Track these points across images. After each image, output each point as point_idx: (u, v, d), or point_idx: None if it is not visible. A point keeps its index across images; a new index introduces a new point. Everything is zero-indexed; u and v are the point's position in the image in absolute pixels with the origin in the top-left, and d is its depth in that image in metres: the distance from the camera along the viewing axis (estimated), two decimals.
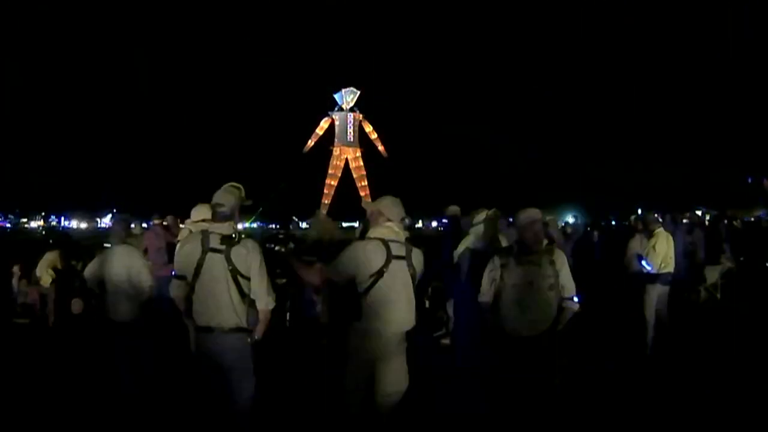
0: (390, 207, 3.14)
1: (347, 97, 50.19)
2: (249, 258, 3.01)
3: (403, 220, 3.14)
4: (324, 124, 50.54)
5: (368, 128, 51.05)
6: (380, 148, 50.93)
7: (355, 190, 51.41)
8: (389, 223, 3.08)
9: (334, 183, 51.46)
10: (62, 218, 78.77)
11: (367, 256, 2.98)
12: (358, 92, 50.24)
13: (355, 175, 51.70)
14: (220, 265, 2.96)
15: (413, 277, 3.05)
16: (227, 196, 3.10)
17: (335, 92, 50.30)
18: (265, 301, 3.05)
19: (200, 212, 4.21)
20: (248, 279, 3.01)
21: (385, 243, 2.99)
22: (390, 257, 2.97)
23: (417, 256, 3.10)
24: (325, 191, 50.53)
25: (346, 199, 51.00)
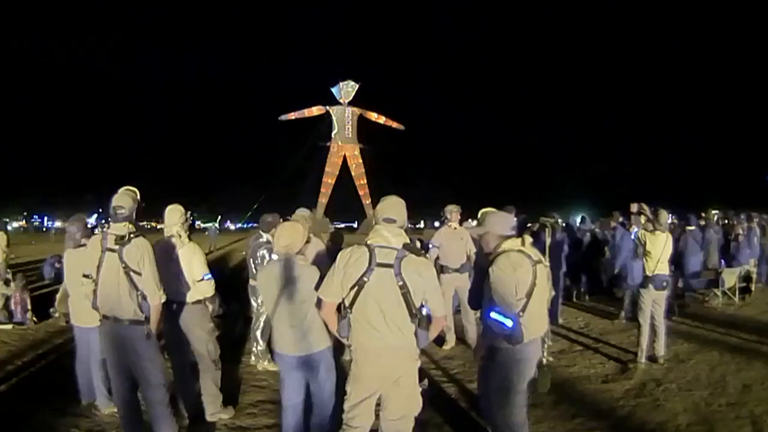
0: (382, 209, 2.96)
1: (345, 90, 49.88)
2: (140, 256, 3.37)
3: (392, 222, 2.90)
4: (316, 111, 49.97)
5: (373, 116, 50.57)
6: (394, 125, 50.51)
7: (354, 188, 51.35)
8: (379, 226, 2.90)
9: (332, 181, 51.18)
10: (45, 218, 78.83)
11: (345, 265, 2.84)
12: (357, 85, 49.94)
13: (353, 173, 51.42)
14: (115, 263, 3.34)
15: (403, 288, 2.77)
16: (126, 198, 3.50)
17: (332, 86, 50.06)
18: (154, 296, 3.41)
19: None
20: (140, 274, 3.36)
21: (370, 249, 2.82)
22: (372, 265, 2.78)
23: (411, 265, 2.80)
24: (323, 190, 50.19)
25: (345, 199, 50.99)
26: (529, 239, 3.17)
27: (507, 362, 3.07)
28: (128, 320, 3.36)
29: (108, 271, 3.37)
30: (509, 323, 2.93)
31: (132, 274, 3.35)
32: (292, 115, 49.64)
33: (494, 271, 3.03)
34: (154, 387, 3.44)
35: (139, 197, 3.61)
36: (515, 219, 3.24)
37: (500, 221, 3.20)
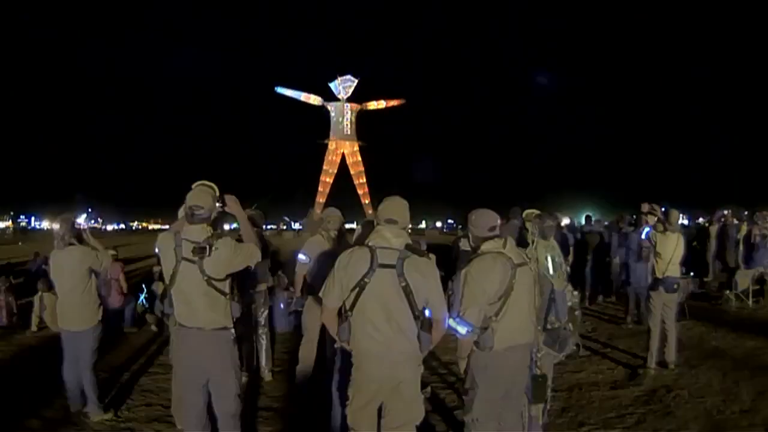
0: (383, 209, 2.98)
1: (344, 86, 49.88)
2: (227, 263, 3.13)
3: (394, 223, 2.91)
4: (313, 99, 49.85)
5: (372, 105, 50.51)
6: (395, 102, 50.45)
7: (353, 187, 51.36)
8: (381, 227, 2.92)
9: (330, 180, 51.18)
10: (32, 218, 78.89)
11: (345, 267, 2.86)
12: (356, 81, 49.95)
13: (352, 172, 51.40)
14: (195, 275, 3.07)
15: (406, 289, 2.79)
16: (205, 196, 3.16)
17: (330, 81, 49.99)
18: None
19: None
20: (225, 281, 3.15)
21: (371, 250, 2.84)
22: (374, 266, 2.80)
23: (413, 265, 2.82)
24: (320, 189, 50.18)
25: (343, 198, 50.99)
26: (512, 241, 3.15)
27: (475, 366, 3.07)
28: (212, 328, 3.12)
29: (187, 282, 3.09)
30: (462, 331, 2.96)
31: (215, 282, 3.09)
32: (289, 93, 49.50)
33: (463, 275, 3.04)
34: (231, 398, 3.20)
35: (218, 194, 3.25)
36: (497, 219, 3.17)
37: (479, 222, 3.15)
